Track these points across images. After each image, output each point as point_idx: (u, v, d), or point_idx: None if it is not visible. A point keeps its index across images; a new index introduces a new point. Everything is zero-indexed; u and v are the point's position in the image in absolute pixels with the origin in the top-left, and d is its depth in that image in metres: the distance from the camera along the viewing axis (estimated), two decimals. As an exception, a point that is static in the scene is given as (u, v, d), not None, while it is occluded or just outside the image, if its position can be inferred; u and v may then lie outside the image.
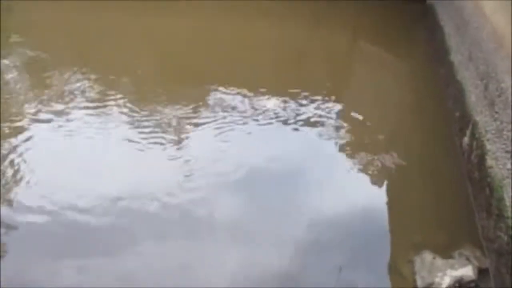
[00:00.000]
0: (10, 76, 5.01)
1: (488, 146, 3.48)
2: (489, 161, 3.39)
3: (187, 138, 4.19)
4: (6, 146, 3.93)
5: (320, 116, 4.52)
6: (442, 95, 4.82)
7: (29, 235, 3.22)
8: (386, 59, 5.64)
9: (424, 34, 6.06)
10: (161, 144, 4.08)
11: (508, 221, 2.91)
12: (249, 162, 3.90)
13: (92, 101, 4.59)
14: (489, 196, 3.26)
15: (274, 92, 4.78)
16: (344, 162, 4.02)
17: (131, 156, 3.94)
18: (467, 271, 3.00)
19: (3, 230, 3.19)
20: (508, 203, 2.99)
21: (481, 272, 3.04)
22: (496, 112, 3.52)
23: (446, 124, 4.44)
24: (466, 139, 3.96)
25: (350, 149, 4.16)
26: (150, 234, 3.26)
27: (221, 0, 6.36)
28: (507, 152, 3.20)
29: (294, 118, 4.46)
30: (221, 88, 4.82)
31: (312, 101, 4.70)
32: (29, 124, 4.23)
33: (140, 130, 4.23)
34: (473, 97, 4.03)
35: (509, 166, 3.11)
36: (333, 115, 4.55)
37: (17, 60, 5.32)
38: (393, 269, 3.13)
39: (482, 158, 3.51)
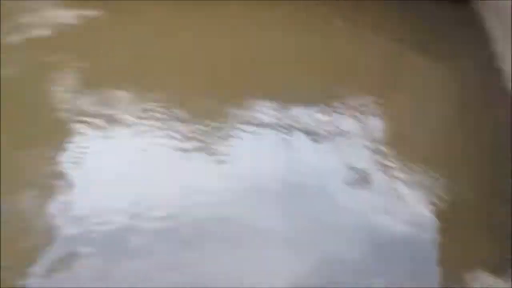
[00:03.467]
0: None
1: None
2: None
3: (226, 153, 4.17)
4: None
5: (362, 132, 4.42)
6: (494, 107, 4.69)
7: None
8: (432, 69, 5.51)
9: (471, 39, 5.88)
10: (199, 158, 4.10)
11: None
12: (289, 178, 3.85)
13: (136, 113, 4.69)
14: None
15: (314, 107, 4.69)
16: (389, 180, 3.90)
17: (167, 170, 3.99)
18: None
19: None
20: None
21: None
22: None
23: (502, 141, 4.25)
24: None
25: (393, 167, 4.02)
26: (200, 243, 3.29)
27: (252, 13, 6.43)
28: None
29: (335, 134, 4.35)
30: (255, 103, 4.78)
31: (356, 116, 4.59)
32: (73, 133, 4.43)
33: (178, 143, 4.25)
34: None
35: None
36: (377, 131, 4.45)
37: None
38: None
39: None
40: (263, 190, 3.73)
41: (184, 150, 4.19)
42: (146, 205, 3.55)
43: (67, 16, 7.51)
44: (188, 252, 3.29)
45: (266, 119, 4.55)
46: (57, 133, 4.59)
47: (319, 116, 4.60)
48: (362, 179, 3.87)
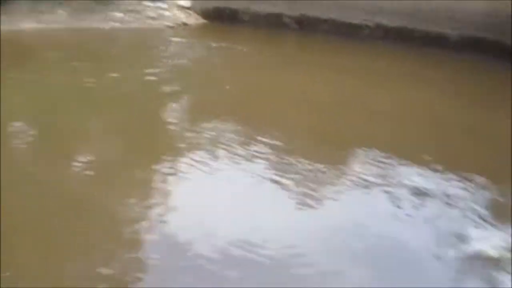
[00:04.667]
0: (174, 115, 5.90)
1: None
2: None
3: (327, 199, 4.17)
4: (154, 176, 4.37)
5: (470, 200, 4.10)
6: None
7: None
8: None
9: None
10: (298, 198, 4.13)
11: None
12: (383, 231, 3.74)
13: (239, 147, 4.93)
14: None
15: (424, 167, 4.56)
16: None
17: (264, 202, 4.07)
18: None
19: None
20: None
21: None
22: None
23: None
24: None
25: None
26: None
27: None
28: None
29: (442, 197, 4.13)
30: (363, 153, 4.85)
31: (466, 183, 4.34)
32: (177, 161, 4.63)
33: (281, 179, 4.36)
34: None
35: None
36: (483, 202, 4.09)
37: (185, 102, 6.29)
38: None
39: None
40: (351, 239, 3.64)
41: (289, 191, 4.25)
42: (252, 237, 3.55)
43: (211, 48, 8.64)
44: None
45: (373, 171, 4.52)
46: (167, 148, 4.94)
47: (428, 176, 4.44)
48: (457, 247, 3.59)
